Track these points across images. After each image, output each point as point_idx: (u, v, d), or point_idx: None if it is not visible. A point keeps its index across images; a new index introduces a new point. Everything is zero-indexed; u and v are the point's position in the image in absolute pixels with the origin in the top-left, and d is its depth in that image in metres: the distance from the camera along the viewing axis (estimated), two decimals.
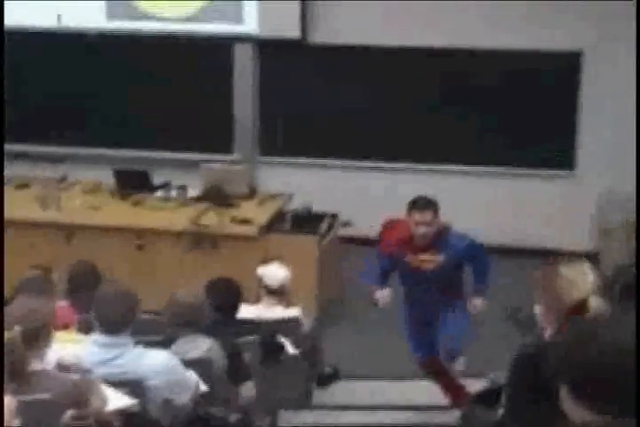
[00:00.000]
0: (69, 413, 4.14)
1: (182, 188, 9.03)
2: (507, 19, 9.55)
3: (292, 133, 10.22)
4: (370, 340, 8.10)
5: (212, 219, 8.52)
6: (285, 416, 6.55)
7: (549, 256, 9.86)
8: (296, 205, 8.98)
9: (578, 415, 2.33)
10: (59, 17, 10.15)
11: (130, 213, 8.72)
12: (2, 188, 8.61)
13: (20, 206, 8.55)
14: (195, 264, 8.31)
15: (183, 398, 5.03)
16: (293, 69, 10.09)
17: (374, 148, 10.09)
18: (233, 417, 5.74)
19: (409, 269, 6.43)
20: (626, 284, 6.34)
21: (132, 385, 4.78)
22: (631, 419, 2.26)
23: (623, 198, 9.45)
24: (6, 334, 4.10)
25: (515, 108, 9.77)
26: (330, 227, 8.69)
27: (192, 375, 5.19)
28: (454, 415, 6.47)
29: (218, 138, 10.37)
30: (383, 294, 6.61)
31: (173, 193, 9.01)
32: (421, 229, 6.27)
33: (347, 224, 8.94)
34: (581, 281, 4.28)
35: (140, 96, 10.39)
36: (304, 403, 6.96)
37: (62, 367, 4.59)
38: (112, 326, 4.91)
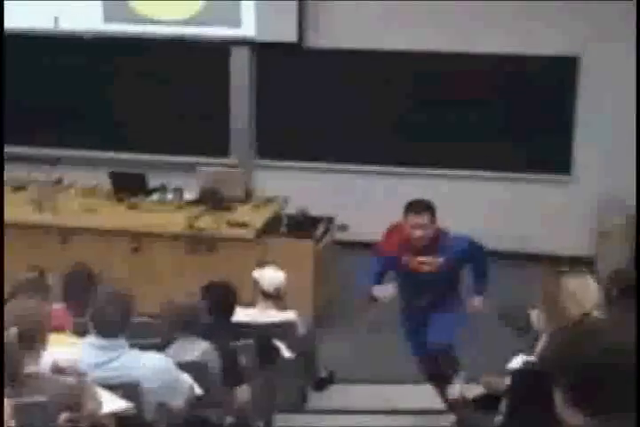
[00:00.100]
0: (64, 415, 4.13)
1: (178, 191, 9.02)
2: (504, 23, 9.56)
3: (288, 137, 10.22)
4: (365, 344, 8.10)
5: (208, 222, 8.52)
6: (280, 420, 6.54)
7: (547, 260, 9.95)
8: (292, 208, 8.97)
9: (572, 419, 2.33)
10: (56, 19, 10.14)
11: (126, 216, 8.72)
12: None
13: (15, 209, 8.53)
14: (190, 267, 8.30)
15: (178, 402, 5.02)
16: (290, 73, 10.09)
17: (371, 152, 10.09)
18: (228, 420, 5.73)
19: (407, 271, 6.41)
20: (622, 288, 6.34)
21: (126, 388, 4.77)
22: (625, 422, 2.26)
23: (620, 202, 9.46)
24: None
25: (512, 112, 9.77)
26: (326, 231, 8.69)
27: (187, 379, 5.19)
28: (450, 419, 6.47)
29: (214, 141, 10.37)
30: (387, 290, 6.46)
31: (169, 196, 9.01)
32: (418, 232, 6.26)
33: (343, 228, 8.94)
34: (585, 295, 4.29)
35: (137, 99, 10.39)
36: (299, 407, 6.96)
37: (57, 370, 4.57)
38: (107, 329, 4.90)
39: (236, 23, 9.96)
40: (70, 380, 4.39)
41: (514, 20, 9.53)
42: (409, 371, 7.03)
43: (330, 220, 8.85)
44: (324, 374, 7.43)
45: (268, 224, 8.66)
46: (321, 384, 7.36)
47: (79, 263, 6.56)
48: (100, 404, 4.39)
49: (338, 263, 8.71)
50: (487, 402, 5.13)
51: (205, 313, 5.84)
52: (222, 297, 6.20)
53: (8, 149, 9.76)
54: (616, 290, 6.12)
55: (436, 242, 6.32)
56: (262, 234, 8.50)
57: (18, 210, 8.58)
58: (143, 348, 5.11)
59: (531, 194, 9.98)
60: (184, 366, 5.21)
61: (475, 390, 6.01)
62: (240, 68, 10.17)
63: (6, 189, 9.03)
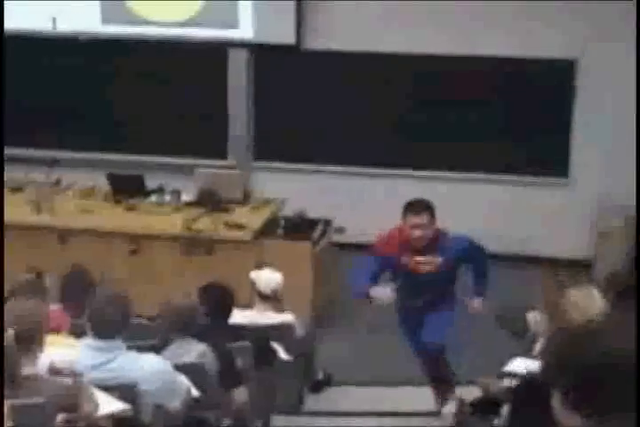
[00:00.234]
0: (61, 417, 4.13)
1: (176, 192, 9.02)
2: (501, 25, 9.55)
3: (286, 139, 10.21)
4: (363, 346, 8.09)
5: (206, 224, 8.52)
6: (278, 422, 6.54)
7: (545, 263, 9.94)
8: (289, 210, 8.97)
9: (570, 420, 2.33)
10: (53, 21, 10.14)
11: (123, 218, 8.71)
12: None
13: (13, 210, 8.53)
14: (188, 269, 8.30)
15: (175, 403, 5.02)
16: (288, 75, 10.09)
17: (369, 154, 10.09)
18: (225, 422, 5.73)
19: (406, 271, 6.36)
20: (620, 291, 6.35)
21: (123, 390, 4.77)
22: (622, 423, 2.26)
23: (618, 205, 9.46)
24: None
25: (510, 114, 9.77)
26: (323, 233, 8.69)
27: (184, 380, 5.19)
28: (447, 422, 6.47)
29: (212, 143, 10.36)
30: (385, 293, 6.27)
31: (167, 198, 9.01)
32: (418, 233, 6.22)
33: (340, 230, 8.94)
34: (589, 307, 4.30)
35: (135, 100, 10.39)
36: (296, 408, 6.96)
37: (54, 371, 4.58)
38: (105, 331, 4.90)
39: (234, 25, 9.96)
40: (67, 381, 4.39)
41: (513, 20, 9.51)
42: (409, 372, 7.03)
43: (327, 222, 8.85)
44: (321, 376, 7.43)
45: (266, 226, 8.66)
46: (318, 386, 7.36)
47: (76, 265, 6.57)
48: (96, 405, 4.39)
49: (335, 265, 8.70)
50: (484, 406, 5.13)
51: (203, 315, 5.85)
52: (220, 299, 6.20)
53: (6, 151, 9.75)
54: (614, 292, 6.13)
55: (436, 242, 6.28)
56: (260, 236, 8.50)
57: (16, 211, 8.57)
58: (140, 349, 5.11)
59: (529, 196, 9.97)
60: (181, 368, 5.21)
61: (472, 393, 6.02)
62: (238, 70, 10.17)
63: (5, 190, 9.02)
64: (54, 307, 5.83)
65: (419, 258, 6.29)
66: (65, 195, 9.18)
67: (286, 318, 6.88)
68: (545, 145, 9.78)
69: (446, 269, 6.36)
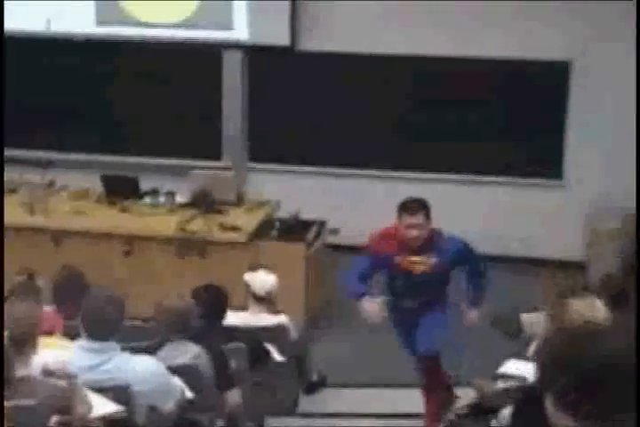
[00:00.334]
0: (54, 419, 4.12)
1: (170, 194, 9.01)
2: (500, 26, 9.55)
3: (280, 140, 10.21)
4: (357, 347, 8.09)
5: (200, 225, 8.51)
6: (272, 423, 6.54)
7: (539, 264, 9.93)
8: (284, 212, 8.97)
9: (562, 422, 2.33)
10: (48, 22, 10.13)
11: (117, 219, 8.70)
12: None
13: (7, 211, 8.51)
14: (182, 270, 8.30)
15: (169, 405, 5.01)
16: (283, 76, 10.09)
17: (364, 155, 10.08)
18: (219, 424, 5.73)
19: (398, 271, 6.28)
20: (614, 293, 6.35)
21: (117, 391, 4.76)
22: (617, 425, 2.26)
23: (613, 206, 9.46)
24: None
25: (504, 116, 9.77)
26: (317, 234, 8.69)
27: (178, 382, 5.18)
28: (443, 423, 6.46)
29: (206, 144, 10.36)
30: (373, 309, 6.19)
31: (161, 199, 9.00)
32: (413, 233, 6.13)
33: (334, 231, 8.94)
34: (591, 317, 4.30)
35: (129, 102, 10.38)
36: (291, 410, 6.96)
37: (48, 373, 4.57)
38: (99, 332, 4.89)
39: (229, 26, 9.95)
40: (61, 383, 4.38)
41: (513, 21, 9.51)
42: (404, 373, 7.02)
43: (321, 223, 8.85)
44: (315, 377, 7.43)
45: (260, 228, 8.66)
46: (312, 388, 7.36)
47: (69, 266, 6.55)
48: (90, 407, 4.38)
49: (329, 267, 8.70)
50: (479, 408, 5.13)
51: (197, 316, 5.84)
52: (214, 300, 6.19)
53: None
54: (608, 295, 6.13)
55: (431, 242, 6.21)
56: (254, 237, 8.49)
57: (9, 212, 8.54)
58: (134, 351, 5.10)
59: (524, 197, 9.97)
60: (175, 370, 5.21)
61: (467, 395, 6.01)
62: (233, 72, 10.17)
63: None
64: (47, 308, 5.82)
65: (413, 258, 6.22)
66: (59, 196, 9.16)
67: (280, 319, 6.88)
68: (538, 146, 9.78)
69: (441, 270, 6.28)
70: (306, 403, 7.18)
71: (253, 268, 7.12)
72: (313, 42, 9.91)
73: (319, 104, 10.03)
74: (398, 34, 9.69)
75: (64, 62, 10.37)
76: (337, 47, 9.84)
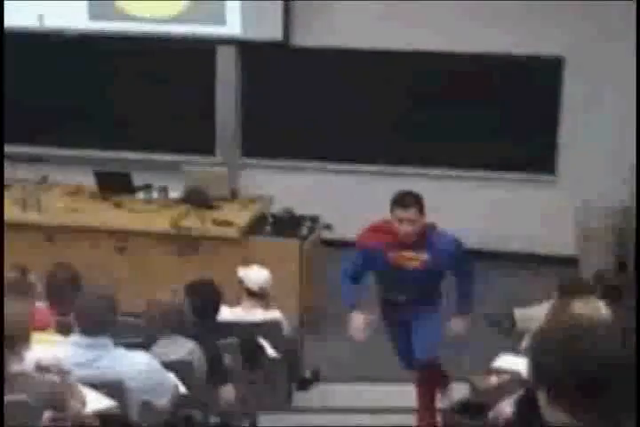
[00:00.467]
0: (47, 414, 4.12)
1: (164, 189, 9.00)
2: (487, 20, 9.54)
3: (274, 136, 10.21)
4: (350, 343, 8.04)
5: (194, 221, 8.51)
6: (265, 419, 6.53)
7: (532, 260, 9.93)
8: (277, 207, 8.97)
9: (555, 419, 2.33)
10: (40, 17, 10.11)
11: (111, 215, 8.69)
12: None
13: None
14: (175, 266, 8.29)
15: (162, 401, 5.01)
16: (276, 71, 10.08)
17: (357, 151, 10.08)
18: (212, 420, 5.73)
19: (390, 267, 6.08)
20: (606, 288, 6.37)
21: (111, 387, 4.76)
22: (607, 419, 2.26)
23: (605, 202, 9.47)
24: None
25: (496, 112, 9.77)
26: (311, 230, 8.68)
27: (172, 378, 5.18)
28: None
29: (200, 139, 10.35)
30: (358, 326, 6.17)
31: (155, 195, 8.98)
32: (405, 227, 5.92)
33: (328, 227, 8.93)
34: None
35: (122, 98, 10.36)
36: (284, 406, 6.95)
37: (41, 369, 4.56)
38: (92, 328, 4.89)
39: (221, 21, 9.94)
40: (54, 379, 4.38)
41: (497, 21, 9.51)
42: (394, 370, 7.00)
43: (315, 219, 8.84)
44: (308, 373, 7.43)
45: (254, 223, 8.65)
46: (306, 383, 7.36)
47: (62, 262, 6.54)
48: (83, 402, 4.38)
49: (323, 262, 8.69)
50: (473, 404, 5.13)
51: (190, 312, 5.84)
52: (207, 296, 6.19)
53: None
54: (601, 290, 6.15)
55: (424, 238, 6.01)
56: (247, 233, 8.49)
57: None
58: (128, 347, 5.10)
59: (514, 194, 9.98)
60: (169, 365, 5.21)
61: (461, 391, 6.02)
62: (226, 67, 10.15)
63: None
64: (40, 304, 5.82)
65: (405, 254, 6.03)
66: (52, 192, 9.14)
67: (274, 315, 6.88)
68: (531, 142, 9.79)
69: (433, 267, 6.06)
70: (299, 398, 7.18)
71: (247, 263, 7.12)
72: (307, 37, 9.90)
73: (313, 100, 10.03)
74: (393, 29, 9.68)
75: (56, 58, 10.35)
76: (331, 42, 9.83)
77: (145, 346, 5.38)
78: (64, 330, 5.38)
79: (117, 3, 10.04)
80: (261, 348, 6.45)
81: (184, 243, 8.40)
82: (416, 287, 6.19)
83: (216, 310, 6.24)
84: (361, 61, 9.84)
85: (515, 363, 5.27)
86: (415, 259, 6.05)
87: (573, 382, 2.27)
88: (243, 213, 8.75)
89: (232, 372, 5.93)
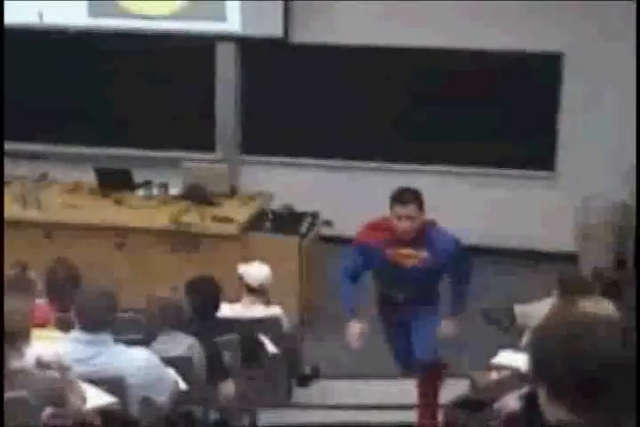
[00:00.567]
0: (48, 411, 4.12)
1: (163, 186, 9.00)
2: (487, 19, 9.54)
3: (273, 132, 10.21)
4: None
5: (193, 217, 8.51)
6: (265, 415, 6.54)
7: (532, 257, 9.92)
8: (277, 204, 8.97)
9: (555, 415, 2.33)
10: (40, 14, 10.10)
11: (111, 212, 8.69)
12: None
13: None
14: (175, 262, 8.29)
15: (162, 397, 5.02)
16: (276, 68, 10.08)
17: (357, 148, 10.09)
18: (212, 416, 5.73)
19: (388, 264, 6.02)
20: (605, 285, 6.37)
21: (111, 383, 4.76)
22: (607, 417, 2.26)
23: (604, 199, 9.47)
24: None
25: (496, 109, 9.76)
26: (311, 226, 8.68)
27: (172, 374, 5.18)
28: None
29: (200, 136, 10.35)
30: (354, 333, 6.17)
31: (155, 191, 8.99)
32: (405, 224, 5.86)
33: (328, 223, 8.94)
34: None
35: (122, 94, 10.36)
36: (284, 402, 6.95)
37: (41, 365, 4.56)
38: (92, 324, 4.90)
39: (222, 18, 9.94)
40: (55, 375, 4.38)
41: (496, 17, 9.51)
42: (394, 367, 7.01)
43: (314, 215, 8.84)
44: (308, 369, 7.43)
45: (253, 220, 8.66)
46: (305, 380, 7.36)
47: (62, 259, 6.54)
48: (84, 399, 4.38)
49: (323, 259, 8.69)
50: (473, 402, 5.13)
51: (190, 308, 5.84)
52: (207, 292, 6.19)
53: None
54: (600, 287, 6.15)
55: (423, 235, 5.94)
56: (247, 229, 8.49)
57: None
58: (128, 343, 5.10)
59: (514, 191, 9.98)
60: (169, 362, 5.21)
61: (460, 387, 6.02)
62: (226, 64, 10.15)
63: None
64: (40, 301, 5.82)
65: (404, 251, 5.97)
66: (51, 189, 9.15)
67: (274, 311, 6.88)
68: (531, 139, 9.79)
69: (432, 265, 5.99)
70: (299, 394, 7.19)
71: (246, 259, 7.12)
72: (306, 34, 9.90)
73: (313, 97, 10.03)
74: (393, 26, 9.68)
75: (56, 54, 10.34)
76: (331, 39, 9.83)
77: (145, 342, 5.39)
78: (64, 326, 5.38)
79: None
80: (261, 344, 6.45)
81: (184, 239, 8.40)
82: (414, 286, 6.15)
83: (216, 307, 6.24)
84: (361, 59, 9.84)
85: (514, 359, 5.27)
86: (414, 256, 5.99)
87: (573, 380, 2.27)
88: (242, 210, 8.75)
89: (232, 368, 5.93)
